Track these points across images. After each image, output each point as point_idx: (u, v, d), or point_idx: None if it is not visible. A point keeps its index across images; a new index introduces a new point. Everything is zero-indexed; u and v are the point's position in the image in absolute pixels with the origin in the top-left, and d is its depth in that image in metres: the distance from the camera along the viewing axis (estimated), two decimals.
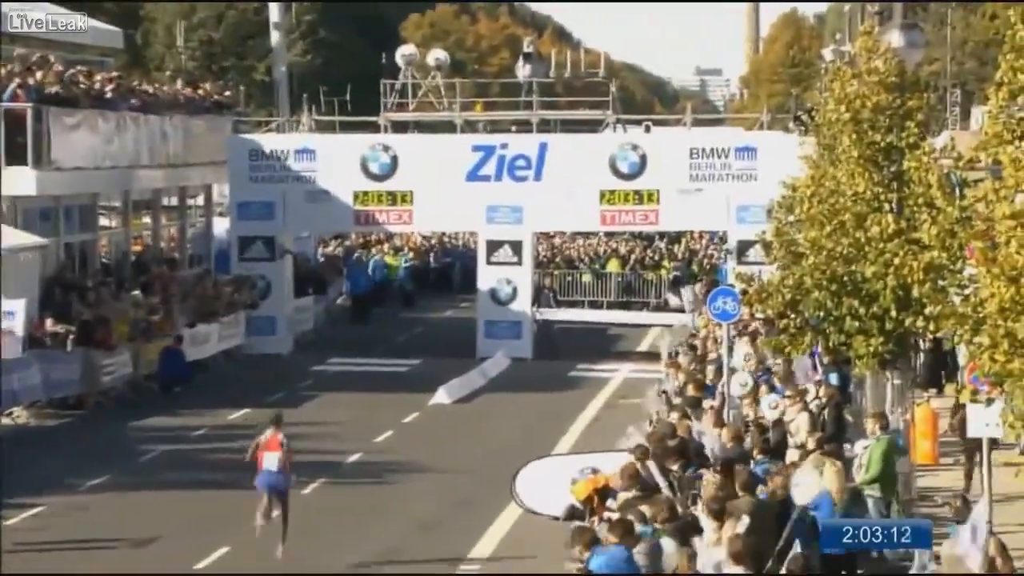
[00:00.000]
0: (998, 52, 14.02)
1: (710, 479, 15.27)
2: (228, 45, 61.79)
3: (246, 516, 19.66)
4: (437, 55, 44.19)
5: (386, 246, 48.67)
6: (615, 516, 14.23)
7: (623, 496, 15.37)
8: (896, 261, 19.45)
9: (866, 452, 18.25)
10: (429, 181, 36.14)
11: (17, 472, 21.87)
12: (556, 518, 17.57)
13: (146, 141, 35.03)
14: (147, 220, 38.22)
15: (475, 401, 31.05)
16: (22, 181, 29.30)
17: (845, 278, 20.19)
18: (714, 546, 13.62)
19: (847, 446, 19.48)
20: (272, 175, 36.49)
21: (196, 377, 31.86)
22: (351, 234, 47.41)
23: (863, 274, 20.02)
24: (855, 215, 20.33)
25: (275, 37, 47.83)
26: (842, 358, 21.68)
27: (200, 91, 39.53)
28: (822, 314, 20.41)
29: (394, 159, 36.43)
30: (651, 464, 16.06)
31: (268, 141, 37.36)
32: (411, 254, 48.65)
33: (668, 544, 13.35)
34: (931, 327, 16.96)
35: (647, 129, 39.83)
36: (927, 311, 16.23)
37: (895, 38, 22.68)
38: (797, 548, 13.60)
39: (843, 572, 15.47)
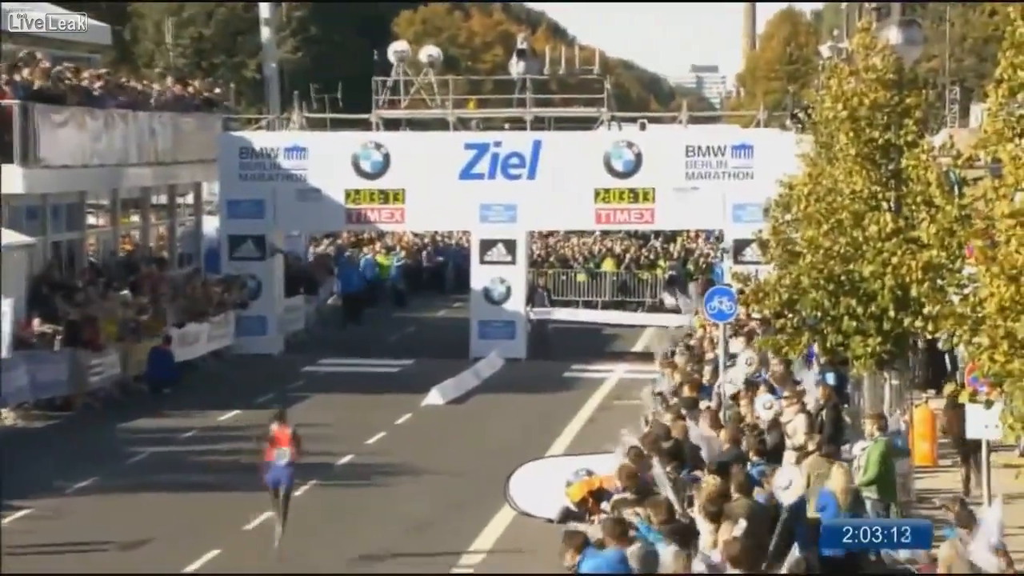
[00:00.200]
0: (997, 49, 14.07)
1: (709, 481, 15.19)
2: (218, 42, 61.63)
3: (236, 518, 19.68)
4: (430, 51, 44.12)
5: (378, 245, 48.45)
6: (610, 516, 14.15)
7: (618, 496, 15.31)
8: (894, 260, 19.46)
9: (864, 454, 18.16)
10: (422, 179, 35.99)
11: (4, 474, 21.63)
12: (550, 520, 17.58)
13: (135, 138, 34.89)
14: (136, 219, 38.10)
15: (469, 402, 30.91)
16: (9, 179, 29.09)
17: (843, 277, 20.17)
18: (711, 549, 13.60)
19: (845, 448, 19.34)
20: (262, 173, 36.34)
21: (185, 378, 31.76)
22: (343, 233, 47.18)
23: (861, 273, 20.00)
24: (853, 214, 20.30)
25: (265, 33, 47.78)
26: (840, 358, 21.52)
27: (190, 88, 39.30)
28: (819, 314, 20.42)
29: (386, 157, 36.30)
30: (655, 464, 15.95)
31: (258, 139, 37.23)
32: (403, 253, 48.50)
33: (665, 551, 13.26)
34: (929, 327, 16.83)
35: (642, 127, 39.76)
36: (926, 311, 16.17)
37: (893, 35, 22.64)
38: (796, 551, 13.48)
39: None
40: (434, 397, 30.22)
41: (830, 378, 22.36)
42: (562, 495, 17.45)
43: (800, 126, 33.72)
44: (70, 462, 23.83)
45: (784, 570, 13.07)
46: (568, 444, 25.84)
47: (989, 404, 14.67)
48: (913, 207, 19.96)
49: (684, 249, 50.00)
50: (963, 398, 15.62)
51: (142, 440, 25.82)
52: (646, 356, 34.13)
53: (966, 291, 15.00)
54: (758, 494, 15.14)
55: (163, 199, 38.88)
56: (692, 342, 29.03)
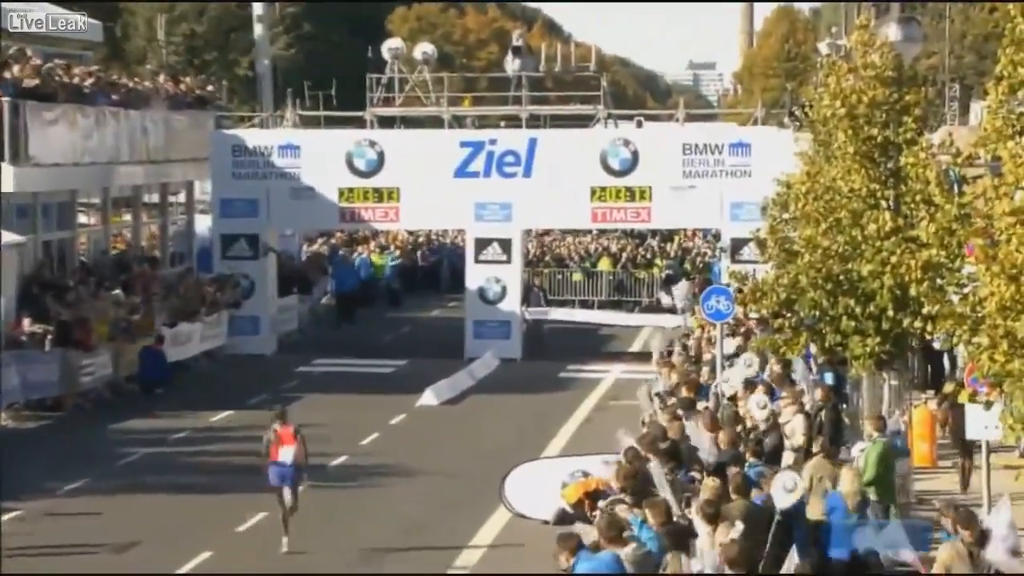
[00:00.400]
0: (997, 46, 14.12)
1: (708, 483, 15.16)
2: (210, 39, 61.50)
3: (229, 520, 19.71)
4: (424, 49, 44.04)
5: (372, 244, 48.25)
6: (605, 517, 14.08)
7: (614, 497, 15.32)
8: (893, 259, 19.45)
9: (863, 455, 18.12)
10: (416, 177, 35.83)
11: None
12: (546, 522, 17.60)
13: (126, 136, 34.71)
14: (127, 217, 37.89)
15: (463, 403, 30.81)
16: None
17: (841, 277, 20.18)
18: (708, 550, 13.53)
19: (844, 449, 19.27)
20: (255, 171, 36.20)
21: (177, 378, 31.65)
22: (336, 232, 47.06)
23: (859, 273, 20.01)
24: (851, 212, 20.30)
25: (258, 30, 47.72)
26: (838, 358, 21.41)
27: (182, 86, 39.15)
28: (818, 314, 20.50)
29: (380, 155, 36.16)
30: (653, 465, 15.90)
31: (251, 137, 37.10)
32: (398, 252, 48.29)
33: (662, 555, 13.20)
34: (928, 327, 16.76)
35: (639, 124, 39.59)
36: (925, 311, 16.15)
37: (892, 32, 22.57)
38: (795, 555, 13.45)
39: None
40: (428, 398, 30.11)
41: (828, 378, 22.38)
42: (558, 497, 17.38)
43: (798, 124, 33.63)
44: (61, 463, 23.73)
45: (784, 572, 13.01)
46: (564, 445, 25.77)
47: (989, 405, 14.67)
48: (912, 206, 19.96)
49: (681, 248, 49.93)
50: (963, 399, 15.62)
51: (134, 441, 25.72)
52: (643, 356, 34.16)
53: (966, 290, 15.02)
54: (756, 496, 15.09)
55: (155, 198, 38.72)
56: (689, 342, 28.88)
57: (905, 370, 21.90)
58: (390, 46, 42.06)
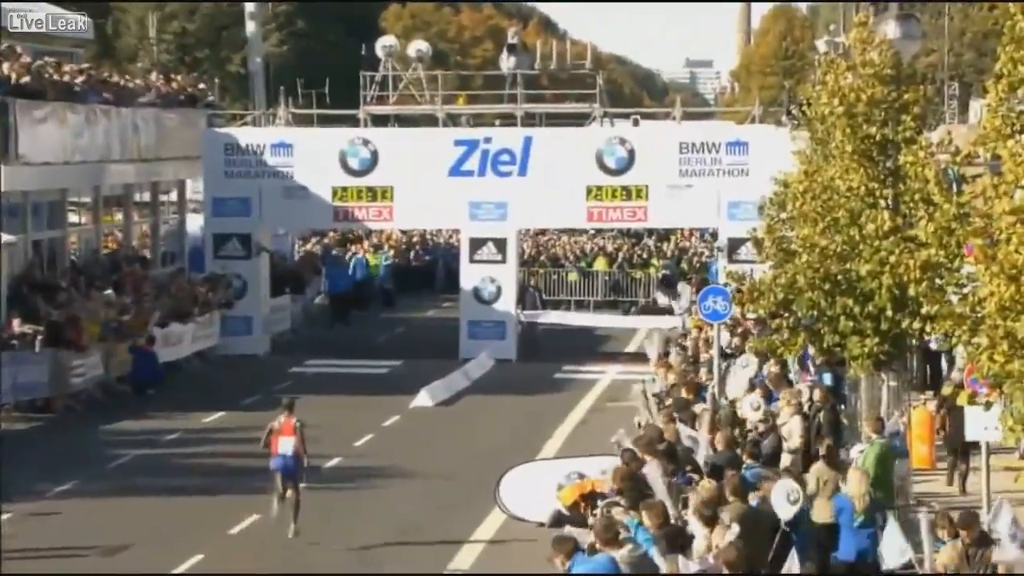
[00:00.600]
0: (997, 43, 14.10)
1: (703, 485, 15.16)
2: (202, 36, 61.40)
3: (221, 522, 19.69)
4: (418, 46, 44.03)
5: (366, 243, 48.10)
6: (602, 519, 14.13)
7: (610, 500, 15.44)
8: (892, 259, 19.40)
9: (861, 457, 18.11)
10: (410, 176, 35.69)
11: None
12: (542, 524, 17.81)
13: (117, 135, 34.63)
14: (118, 217, 37.85)
15: (458, 404, 30.71)
16: None
17: (839, 277, 20.09)
18: (705, 553, 13.57)
19: (843, 450, 19.28)
20: (248, 170, 36.06)
21: (169, 379, 31.57)
22: (330, 231, 46.88)
23: (858, 272, 19.95)
24: (849, 212, 20.25)
25: (250, 27, 47.59)
26: (836, 359, 21.30)
27: (173, 83, 39.00)
28: (815, 314, 20.41)
29: (374, 154, 36.00)
30: (652, 467, 15.79)
31: (244, 135, 36.96)
32: (391, 252, 48.11)
33: (659, 559, 13.23)
34: (927, 328, 16.62)
35: (635, 123, 39.60)
36: (924, 311, 16.14)
37: (891, 29, 22.41)
38: (794, 559, 13.44)
39: None
40: (423, 399, 30.02)
41: (827, 379, 22.34)
42: (553, 499, 17.26)
43: (796, 122, 33.40)
44: (51, 465, 23.61)
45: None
46: (559, 447, 25.70)
47: (988, 405, 14.73)
48: (911, 205, 19.90)
49: (678, 248, 49.84)
50: (962, 400, 15.64)
51: (125, 442, 25.63)
52: (639, 357, 34.14)
53: (965, 291, 15.09)
54: (755, 497, 15.08)
55: (146, 197, 38.63)
56: (687, 343, 28.76)
57: (904, 371, 21.87)
58: (384, 43, 42.15)
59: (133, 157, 35.46)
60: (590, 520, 15.45)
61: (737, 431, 19.24)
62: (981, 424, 17.37)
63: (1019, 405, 13.33)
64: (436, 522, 20.41)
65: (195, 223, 38.96)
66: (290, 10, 64.63)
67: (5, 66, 30.66)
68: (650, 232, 49.58)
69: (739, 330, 27.14)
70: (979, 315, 13.58)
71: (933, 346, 24.68)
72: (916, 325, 17.64)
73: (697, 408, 20.62)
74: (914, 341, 21.39)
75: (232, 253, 36.14)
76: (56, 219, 33.96)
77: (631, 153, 35.64)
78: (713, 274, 38.46)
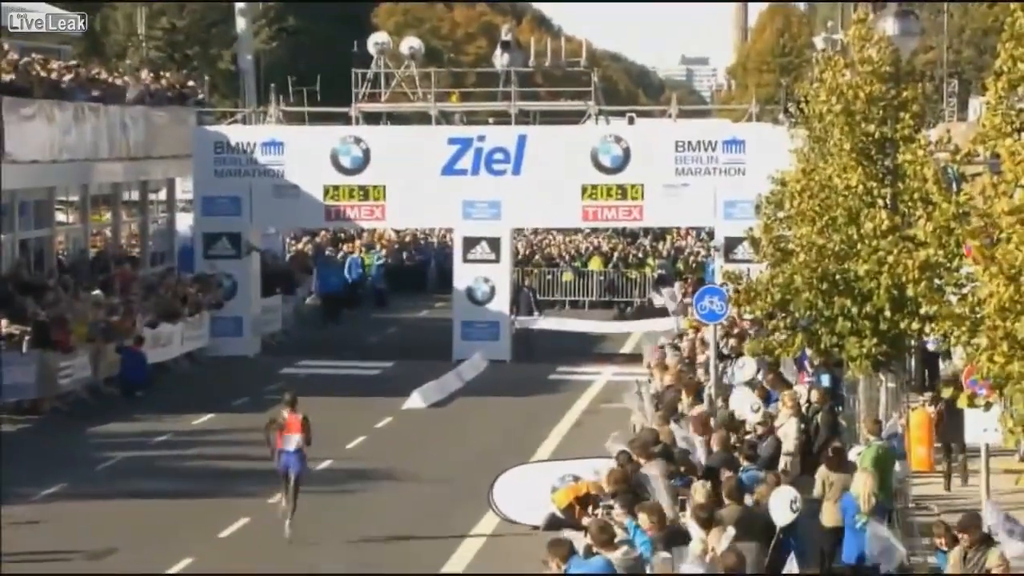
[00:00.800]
0: (997, 40, 14.02)
1: (698, 487, 15.08)
2: (192, 33, 61.31)
3: (211, 525, 19.73)
4: (411, 43, 43.95)
5: (357, 243, 47.90)
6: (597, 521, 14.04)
7: (606, 502, 15.25)
8: (890, 259, 19.38)
9: (859, 459, 17.89)
10: (403, 175, 35.57)
11: None
12: (536, 527, 17.60)
13: (105, 133, 34.57)
14: (107, 216, 37.85)
15: (451, 405, 30.64)
16: None
17: (837, 277, 20.08)
18: (701, 555, 13.50)
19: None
20: (238, 168, 35.91)
21: (158, 380, 31.50)
22: (321, 230, 46.73)
23: (856, 272, 19.94)
24: (847, 211, 20.21)
25: (241, 24, 47.52)
26: (834, 360, 21.21)
27: (162, 80, 38.84)
28: (813, 314, 20.41)
29: (366, 152, 35.86)
30: (650, 468, 15.72)
31: (234, 133, 36.82)
32: (384, 252, 47.90)
33: (657, 561, 13.19)
34: (926, 329, 16.39)
35: (631, 121, 39.54)
36: (923, 311, 16.12)
37: (889, 26, 22.18)
38: (793, 563, 13.34)
39: None
40: (415, 400, 29.94)
41: (824, 380, 22.32)
42: (548, 501, 17.11)
43: (793, 120, 33.22)
44: (38, 467, 23.46)
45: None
46: (554, 449, 25.67)
47: (988, 407, 14.57)
48: (909, 204, 19.90)
49: (674, 247, 49.75)
50: (962, 402, 15.43)
51: (113, 445, 25.68)
52: (634, 358, 34.00)
53: (964, 291, 15.17)
54: (749, 500, 14.98)
55: (135, 195, 38.61)
56: (683, 343, 28.56)
57: (902, 372, 21.71)
58: (376, 40, 41.99)
59: (122, 155, 35.41)
60: (584, 522, 15.17)
61: (737, 432, 19.02)
62: (980, 426, 17.32)
63: (1019, 407, 13.19)
64: (429, 525, 20.35)
65: (184, 222, 38.96)
66: (281, 6, 64.71)
67: None
68: (646, 231, 49.50)
69: (735, 331, 26.95)
70: (978, 316, 13.48)
71: (931, 347, 24.54)
72: (915, 326, 17.63)
73: (695, 410, 20.41)
74: (912, 342, 21.26)
75: (222, 253, 36.00)
76: (44, 218, 33.95)
77: (626, 151, 35.57)
78: (710, 274, 38.39)
